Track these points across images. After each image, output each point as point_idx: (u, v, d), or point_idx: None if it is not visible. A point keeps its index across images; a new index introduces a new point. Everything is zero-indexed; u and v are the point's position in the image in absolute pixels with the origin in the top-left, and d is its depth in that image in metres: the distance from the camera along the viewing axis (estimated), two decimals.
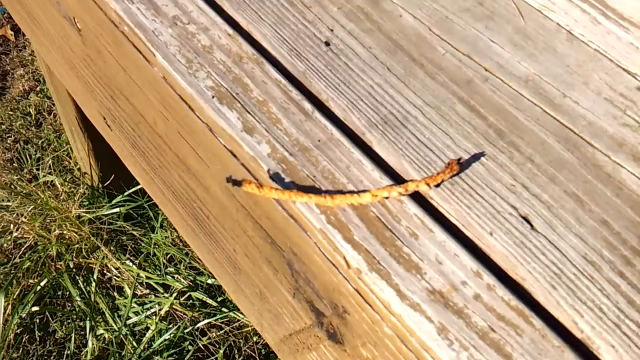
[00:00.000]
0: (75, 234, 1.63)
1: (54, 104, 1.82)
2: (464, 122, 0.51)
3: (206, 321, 1.45)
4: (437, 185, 0.47)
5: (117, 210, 1.62)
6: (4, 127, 2.01)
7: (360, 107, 0.52)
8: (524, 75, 0.55)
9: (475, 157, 0.49)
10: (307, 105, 0.51)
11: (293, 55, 0.56)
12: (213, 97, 0.52)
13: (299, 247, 0.49)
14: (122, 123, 0.79)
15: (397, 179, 0.48)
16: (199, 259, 1.60)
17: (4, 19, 2.31)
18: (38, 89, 2.11)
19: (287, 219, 0.47)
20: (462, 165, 0.47)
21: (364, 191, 0.45)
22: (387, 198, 0.45)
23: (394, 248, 0.43)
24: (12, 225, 1.65)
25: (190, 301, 1.52)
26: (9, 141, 1.97)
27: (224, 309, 1.48)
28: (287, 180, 0.47)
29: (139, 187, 1.65)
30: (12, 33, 2.28)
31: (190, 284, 1.54)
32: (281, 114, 0.51)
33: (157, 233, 1.62)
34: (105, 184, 1.66)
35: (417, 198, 0.46)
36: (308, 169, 0.47)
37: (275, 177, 0.47)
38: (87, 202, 1.67)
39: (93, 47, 0.73)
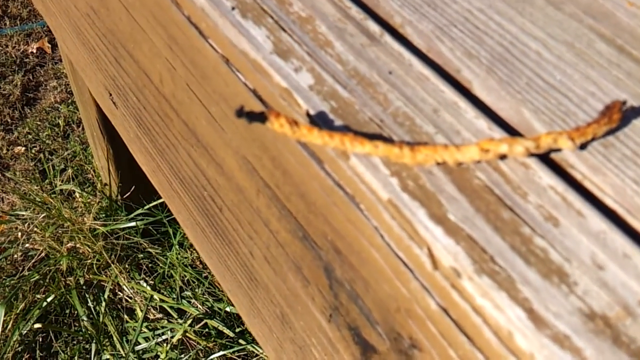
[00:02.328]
0: (88, 248, 1.48)
1: None
2: (611, 65, 0.33)
3: (221, 353, 1.29)
4: (584, 147, 0.29)
5: (133, 224, 1.46)
6: (30, 137, 1.91)
7: (452, 35, 0.34)
8: None
9: (636, 112, 0.31)
10: (374, 27, 0.34)
11: None
12: (233, 8, 0.35)
13: (346, 239, 0.31)
14: (127, 94, 0.63)
15: (515, 134, 0.30)
16: (219, 284, 1.42)
17: (43, 32, 2.27)
18: (69, 100, 2.01)
19: (332, 191, 0.30)
20: (623, 116, 0.29)
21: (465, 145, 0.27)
22: (504, 157, 0.27)
23: (519, 238, 0.25)
24: (20, 234, 1.50)
25: (206, 330, 1.34)
26: (33, 151, 1.86)
27: (241, 341, 1.30)
28: (337, 123, 0.29)
29: (159, 201, 1.49)
30: (50, 46, 2.22)
31: (207, 310, 1.36)
32: (333, 35, 0.33)
33: (173, 252, 1.45)
34: (125, 196, 1.52)
35: (551, 164, 0.28)
36: (372, 110, 0.30)
37: (320, 119, 0.29)
38: (104, 215, 1.52)
39: None
